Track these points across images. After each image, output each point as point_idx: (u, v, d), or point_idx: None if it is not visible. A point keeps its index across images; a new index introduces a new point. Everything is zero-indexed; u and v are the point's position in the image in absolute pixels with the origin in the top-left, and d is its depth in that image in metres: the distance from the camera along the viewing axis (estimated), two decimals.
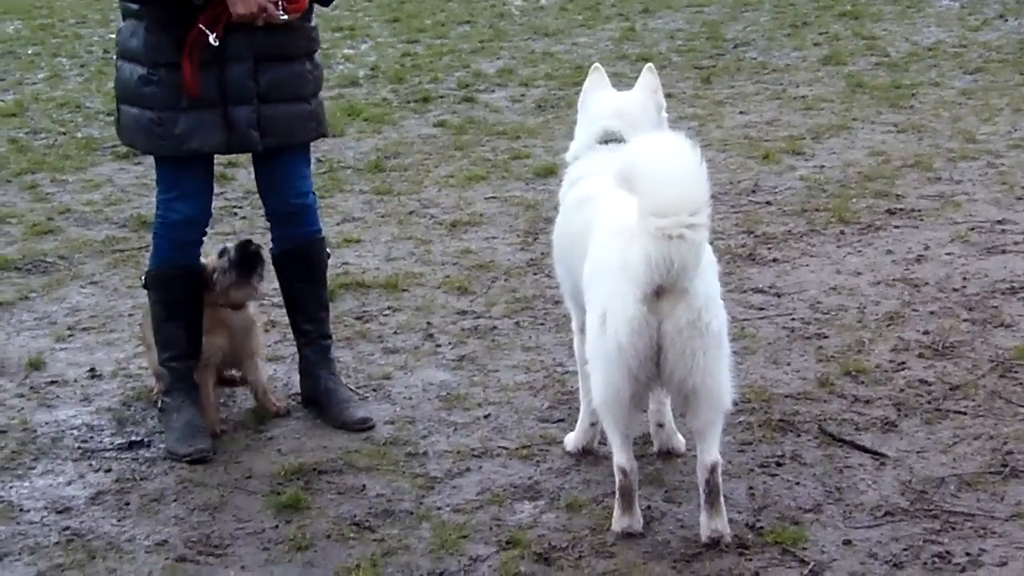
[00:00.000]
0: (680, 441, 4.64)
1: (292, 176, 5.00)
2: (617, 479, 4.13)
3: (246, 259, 5.02)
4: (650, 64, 4.71)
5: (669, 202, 3.72)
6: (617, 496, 4.15)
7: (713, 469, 4.01)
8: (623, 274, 3.87)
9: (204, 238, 5.02)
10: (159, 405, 5.00)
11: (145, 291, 5.06)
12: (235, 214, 7.62)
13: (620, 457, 4.11)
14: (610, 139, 4.52)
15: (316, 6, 4.92)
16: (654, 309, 3.84)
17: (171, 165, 4.83)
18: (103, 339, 5.97)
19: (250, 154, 5.00)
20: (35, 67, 13.31)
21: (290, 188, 5.01)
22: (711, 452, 4.01)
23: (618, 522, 4.15)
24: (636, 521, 4.14)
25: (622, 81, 9.98)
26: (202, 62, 4.62)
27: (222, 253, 5.04)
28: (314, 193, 5.13)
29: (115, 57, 4.87)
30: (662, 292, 3.82)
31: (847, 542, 4.05)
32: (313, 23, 4.93)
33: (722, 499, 4.06)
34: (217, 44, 4.59)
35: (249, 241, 5.12)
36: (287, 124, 4.84)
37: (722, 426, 4.08)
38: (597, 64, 4.77)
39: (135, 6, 4.71)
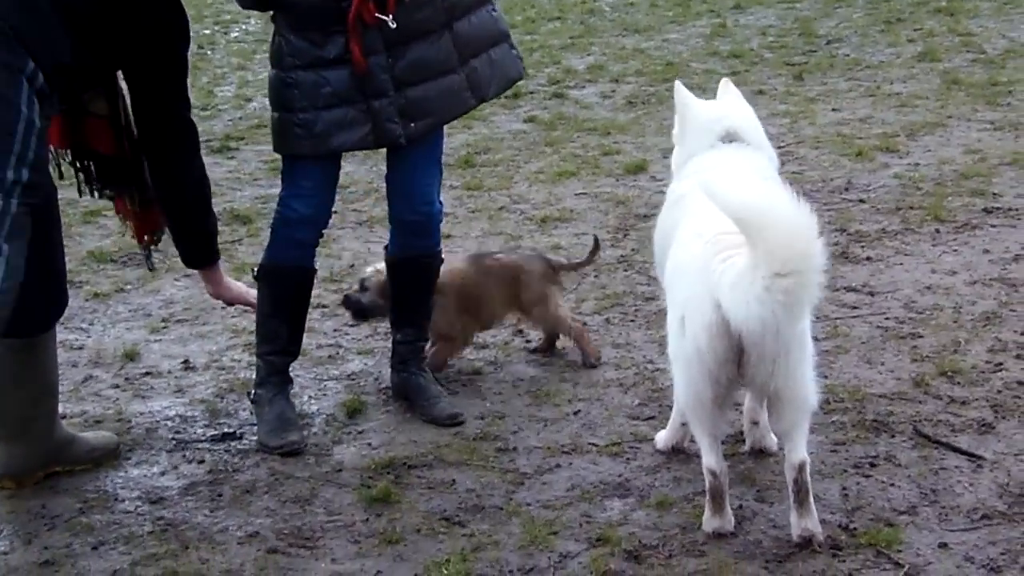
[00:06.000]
0: (773, 440, 4.59)
1: (422, 182, 4.97)
2: (707, 480, 4.10)
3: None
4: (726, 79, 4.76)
5: (792, 262, 3.60)
6: (707, 497, 4.12)
7: (801, 468, 3.97)
8: (702, 277, 3.84)
9: (320, 238, 5.04)
10: (251, 397, 5.04)
11: (255, 281, 5.07)
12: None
13: (708, 459, 4.08)
14: (734, 139, 4.50)
15: None
16: None
17: (293, 163, 4.86)
18: (196, 331, 6.03)
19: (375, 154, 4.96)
20: None
21: (419, 193, 4.98)
22: (798, 452, 3.98)
23: (708, 523, 4.12)
24: (727, 522, 4.11)
25: (713, 78, 9.88)
26: (335, 59, 4.64)
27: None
28: (441, 203, 5.12)
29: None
30: None
31: (943, 545, 3.99)
32: None
33: (812, 498, 4.02)
34: (395, 26, 4.60)
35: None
36: (432, 103, 4.78)
37: (808, 425, 4.03)
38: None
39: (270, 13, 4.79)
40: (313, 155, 4.78)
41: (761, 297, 3.61)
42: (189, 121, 4.59)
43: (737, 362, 3.88)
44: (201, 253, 4.87)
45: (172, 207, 4.72)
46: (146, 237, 4.96)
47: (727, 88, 4.70)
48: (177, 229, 4.77)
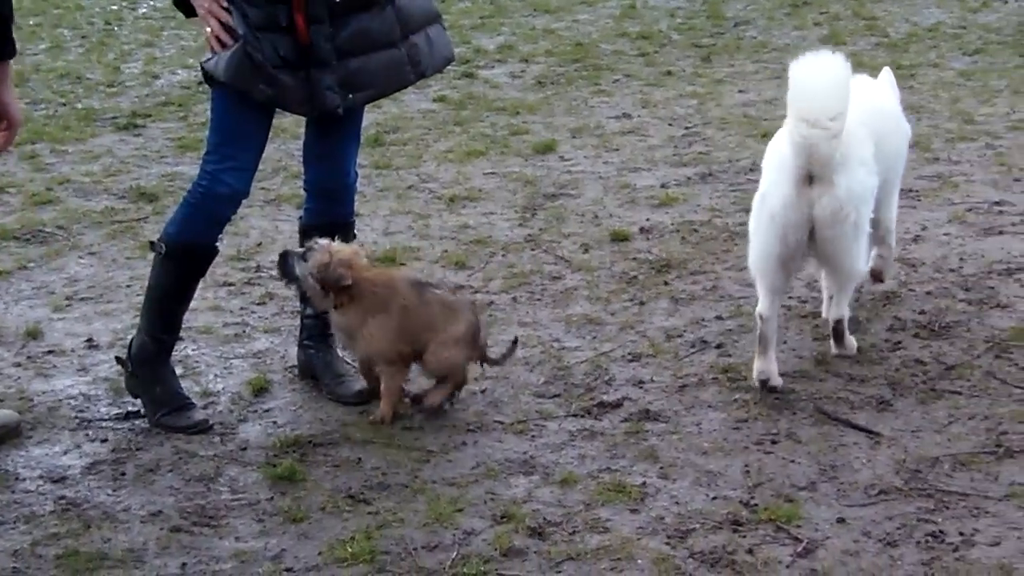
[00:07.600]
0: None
1: (343, 152, 4.99)
2: (757, 326, 4.92)
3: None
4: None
5: (810, 109, 4.77)
6: (756, 342, 4.93)
7: (839, 321, 5.15)
8: (782, 161, 4.89)
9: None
10: (130, 371, 4.91)
11: (156, 255, 4.88)
12: None
13: (762, 306, 4.95)
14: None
15: None
16: (805, 195, 4.81)
17: (232, 134, 4.75)
18: (100, 309, 5.97)
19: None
20: (36, 38, 13.27)
21: (337, 164, 5.00)
22: (837, 309, 5.14)
23: (755, 367, 4.93)
24: (771, 368, 4.91)
25: (621, 58, 9.87)
26: (282, 27, 4.59)
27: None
28: (356, 172, 5.13)
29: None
30: (813, 180, 4.79)
31: (841, 520, 4.07)
32: None
33: (847, 339, 5.19)
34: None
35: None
36: (373, 75, 4.77)
37: (852, 290, 5.21)
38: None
39: None
40: (240, 112, 4.69)
41: (793, 140, 4.75)
42: None
43: (807, 231, 4.84)
44: None
45: None
46: None
47: (886, 72, 6.05)
48: None
